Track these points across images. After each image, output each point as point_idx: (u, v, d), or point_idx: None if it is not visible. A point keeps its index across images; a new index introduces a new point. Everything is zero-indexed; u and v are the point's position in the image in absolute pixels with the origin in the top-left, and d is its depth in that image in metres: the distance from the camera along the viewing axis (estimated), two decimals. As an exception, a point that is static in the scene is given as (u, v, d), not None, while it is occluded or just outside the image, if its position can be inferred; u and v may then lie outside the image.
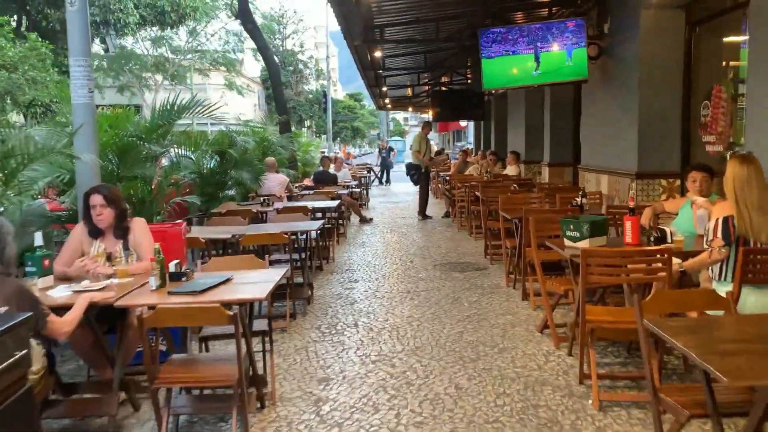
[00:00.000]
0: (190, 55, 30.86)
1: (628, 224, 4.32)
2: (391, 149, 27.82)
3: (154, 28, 27.04)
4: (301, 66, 43.74)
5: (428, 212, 12.69)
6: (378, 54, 10.47)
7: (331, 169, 13.60)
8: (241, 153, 9.26)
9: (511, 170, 12.33)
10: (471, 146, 21.99)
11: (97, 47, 27.60)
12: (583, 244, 4.23)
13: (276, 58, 43.46)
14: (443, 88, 16.49)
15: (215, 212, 7.52)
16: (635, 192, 6.58)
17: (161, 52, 30.35)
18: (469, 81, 15.88)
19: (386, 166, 25.69)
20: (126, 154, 5.60)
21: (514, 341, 4.93)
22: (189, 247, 5.66)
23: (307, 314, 5.88)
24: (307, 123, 51.13)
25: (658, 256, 3.61)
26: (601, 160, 7.65)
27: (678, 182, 6.53)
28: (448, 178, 14.05)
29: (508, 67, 7.69)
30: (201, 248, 5.70)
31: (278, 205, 7.96)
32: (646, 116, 6.52)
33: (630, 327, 3.88)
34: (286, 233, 5.50)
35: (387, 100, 20.69)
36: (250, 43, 26.54)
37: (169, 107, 5.90)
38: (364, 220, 12.38)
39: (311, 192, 9.96)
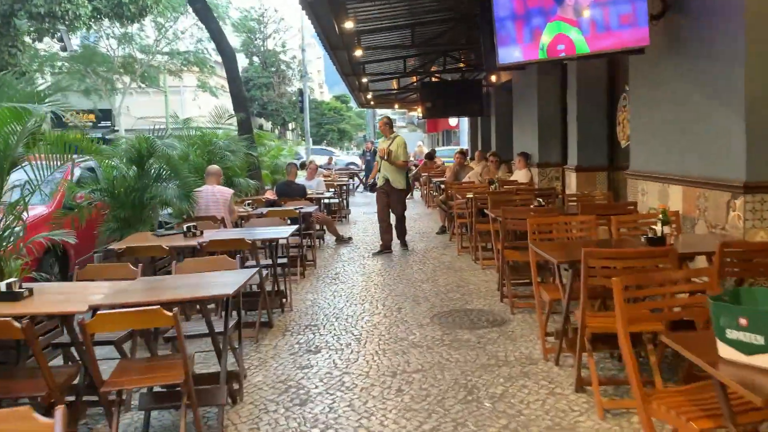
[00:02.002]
0: (159, 56, 28.43)
1: None
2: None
3: (116, 25, 24.61)
4: (283, 67, 41.53)
5: (421, 227, 10.34)
6: (349, 25, 7.85)
7: (302, 178, 11.27)
8: (175, 162, 6.88)
9: (520, 176, 10.03)
10: (466, 147, 19.61)
11: (54, 45, 24.98)
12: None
13: (257, 59, 41.32)
14: (434, 79, 14.17)
15: (109, 250, 5.13)
16: (742, 213, 4.26)
17: (129, 51, 27.95)
18: (463, 69, 13.52)
19: (371, 169, 23.36)
20: None
21: None
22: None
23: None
24: (291, 125, 48.58)
25: None
26: (671, 164, 5.32)
27: (808, 197, 4.22)
28: (442, 186, 11.71)
29: (531, 33, 5.37)
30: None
31: (207, 235, 5.55)
32: (758, 98, 4.21)
33: None
34: (175, 306, 3.08)
35: (369, 95, 18.22)
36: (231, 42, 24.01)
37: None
38: (341, 240, 10.04)
39: (265, 212, 7.51)
